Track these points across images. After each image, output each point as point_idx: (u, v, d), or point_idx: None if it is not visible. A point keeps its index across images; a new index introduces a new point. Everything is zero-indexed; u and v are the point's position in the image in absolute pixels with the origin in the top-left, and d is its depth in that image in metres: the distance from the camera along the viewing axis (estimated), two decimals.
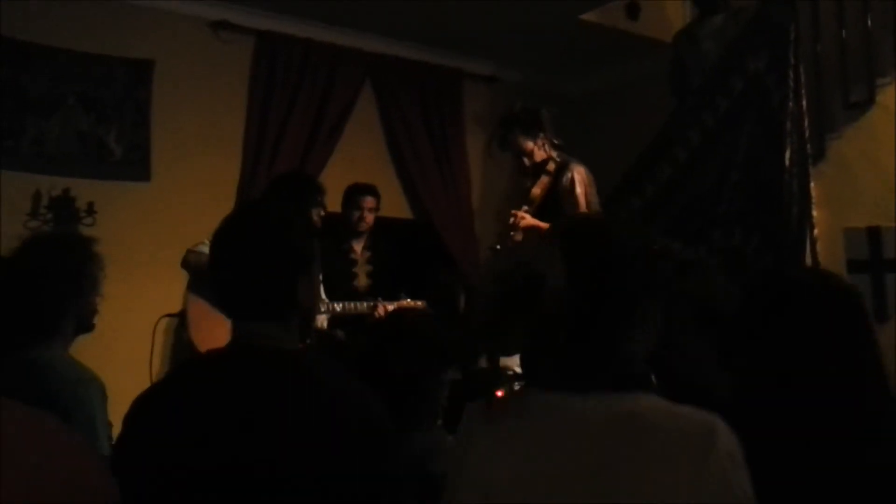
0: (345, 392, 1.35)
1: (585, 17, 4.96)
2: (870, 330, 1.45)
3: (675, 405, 1.20)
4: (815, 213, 3.94)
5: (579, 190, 3.91)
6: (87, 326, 2.13)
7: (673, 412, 1.18)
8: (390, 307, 3.68)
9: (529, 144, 4.03)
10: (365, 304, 3.86)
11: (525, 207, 4.00)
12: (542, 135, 4.05)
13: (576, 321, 1.24)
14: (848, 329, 1.43)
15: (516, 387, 2.82)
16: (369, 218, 4.26)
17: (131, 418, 1.38)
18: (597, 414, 1.19)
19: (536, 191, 4.05)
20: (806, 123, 3.96)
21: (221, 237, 1.43)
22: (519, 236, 3.92)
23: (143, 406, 1.39)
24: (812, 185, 3.96)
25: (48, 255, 2.06)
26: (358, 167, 5.01)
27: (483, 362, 4.21)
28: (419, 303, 3.91)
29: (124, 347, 3.53)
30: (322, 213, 3.78)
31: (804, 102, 3.96)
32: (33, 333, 1.97)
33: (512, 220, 3.95)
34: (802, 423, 1.34)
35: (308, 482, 1.23)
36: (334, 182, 4.22)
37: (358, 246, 4.32)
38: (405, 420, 1.81)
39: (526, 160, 4.06)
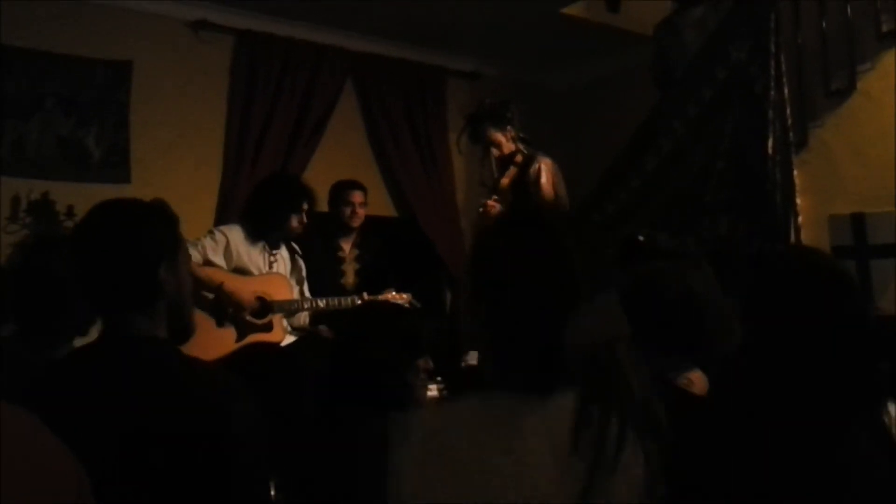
0: (195, 380, 1.40)
1: (567, 10, 4.95)
2: (857, 308, 1.42)
3: None
4: (799, 200, 3.95)
5: (544, 179, 4.06)
6: None
7: None
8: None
9: (499, 136, 4.19)
10: (349, 300, 3.83)
11: (494, 197, 4.16)
12: (509, 127, 4.20)
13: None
14: (835, 308, 1.41)
15: None
16: (361, 212, 4.27)
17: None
18: None
19: (505, 181, 4.21)
20: (788, 112, 3.97)
21: (80, 232, 1.50)
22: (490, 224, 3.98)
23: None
24: (795, 173, 3.97)
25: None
26: (341, 166, 4.97)
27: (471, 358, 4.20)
28: (405, 296, 3.90)
29: None
30: (304, 219, 3.75)
31: (786, 91, 3.97)
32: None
33: (482, 209, 4.13)
34: (784, 404, 1.32)
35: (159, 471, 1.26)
36: (317, 182, 4.17)
37: (346, 244, 4.29)
38: (376, 404, 1.82)
39: (496, 151, 4.21)
